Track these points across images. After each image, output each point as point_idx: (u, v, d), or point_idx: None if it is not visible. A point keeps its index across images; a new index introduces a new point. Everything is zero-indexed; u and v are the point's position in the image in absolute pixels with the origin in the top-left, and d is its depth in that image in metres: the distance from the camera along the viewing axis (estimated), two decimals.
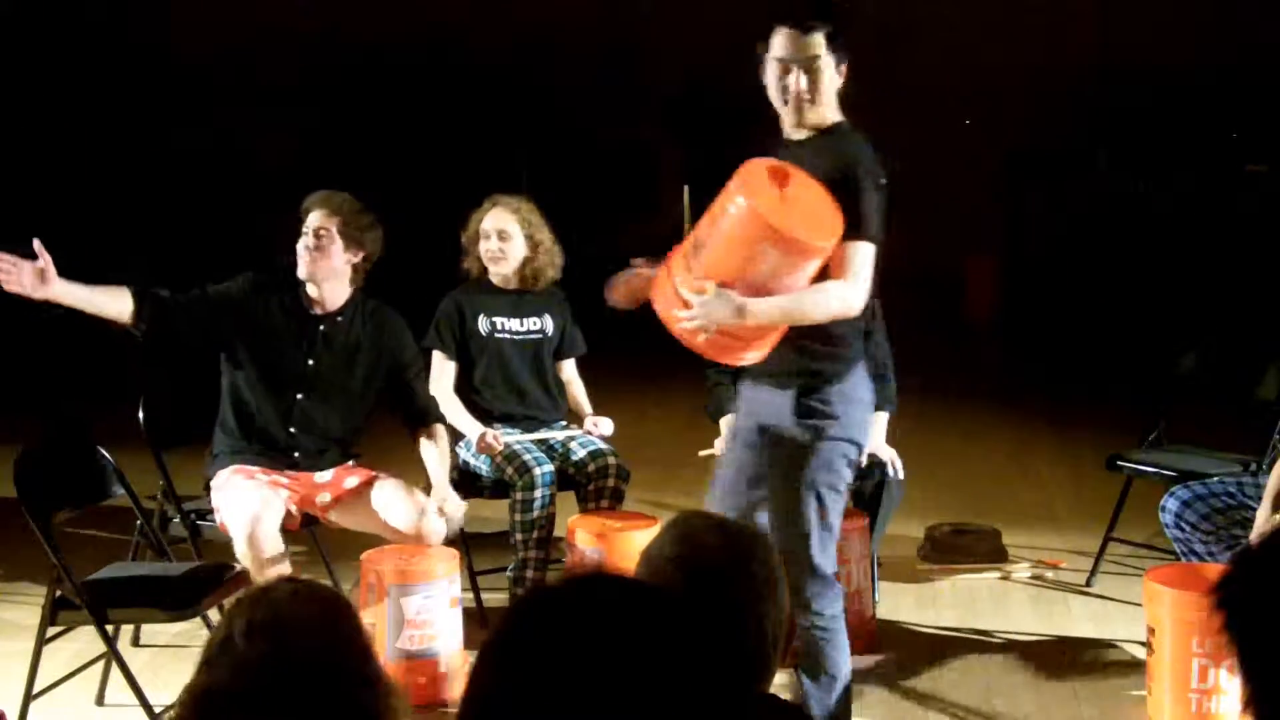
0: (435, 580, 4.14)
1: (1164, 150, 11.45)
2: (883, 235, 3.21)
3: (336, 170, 6.42)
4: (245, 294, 4.17)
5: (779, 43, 3.29)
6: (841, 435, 3.28)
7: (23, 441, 3.83)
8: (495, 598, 4.72)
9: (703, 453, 4.69)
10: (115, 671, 3.87)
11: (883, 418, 4.67)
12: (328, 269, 4.17)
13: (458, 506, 4.24)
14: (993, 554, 5.29)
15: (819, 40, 3.27)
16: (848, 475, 3.34)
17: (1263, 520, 3.90)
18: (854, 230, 3.14)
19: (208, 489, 4.23)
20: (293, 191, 4.32)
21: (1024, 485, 6.52)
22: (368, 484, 4.26)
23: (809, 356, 3.26)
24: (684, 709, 1.31)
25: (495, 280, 4.78)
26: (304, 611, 1.86)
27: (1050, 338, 10.15)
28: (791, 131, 3.35)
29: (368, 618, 3.94)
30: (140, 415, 4.32)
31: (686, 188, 4.95)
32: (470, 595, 4.62)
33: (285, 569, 3.90)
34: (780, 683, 3.51)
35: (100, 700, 4.04)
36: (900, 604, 4.86)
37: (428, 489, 4.25)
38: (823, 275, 3.16)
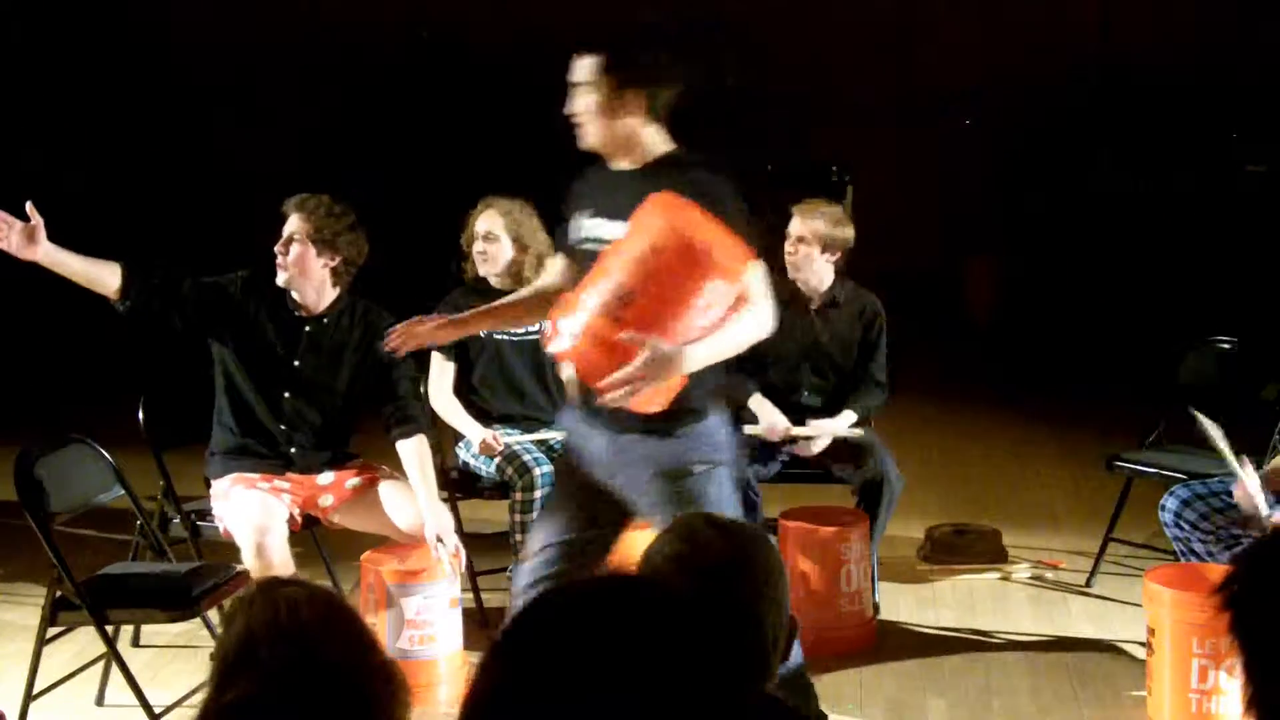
0: (435, 580, 4.14)
1: (1164, 150, 11.44)
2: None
3: (335, 172, 6.42)
4: (236, 291, 4.17)
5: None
6: (723, 467, 3.24)
7: (22, 441, 3.83)
8: (495, 598, 4.72)
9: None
10: (115, 672, 3.88)
11: (846, 416, 4.71)
12: (302, 275, 4.16)
13: (447, 528, 4.18)
14: (993, 554, 5.29)
15: (588, 64, 3.19)
16: (735, 505, 3.28)
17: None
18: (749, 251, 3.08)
19: (208, 484, 4.23)
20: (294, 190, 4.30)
21: (1024, 485, 6.52)
22: (370, 484, 4.26)
23: (687, 394, 3.12)
24: (686, 708, 1.31)
25: (492, 282, 4.79)
26: (321, 613, 1.86)
27: (1050, 338, 10.14)
28: (616, 162, 3.26)
29: (368, 618, 3.94)
30: (140, 415, 4.32)
31: None
32: (470, 595, 4.62)
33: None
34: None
35: (100, 700, 4.04)
36: (900, 604, 4.86)
37: None
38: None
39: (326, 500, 4.23)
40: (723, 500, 3.20)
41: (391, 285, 4.73)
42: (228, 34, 10.77)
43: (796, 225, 4.76)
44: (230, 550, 4.05)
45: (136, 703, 3.73)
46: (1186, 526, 4.17)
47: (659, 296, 2.96)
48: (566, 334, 3.03)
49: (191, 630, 4.31)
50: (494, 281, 4.79)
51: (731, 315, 3.05)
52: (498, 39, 10.86)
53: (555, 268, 3.53)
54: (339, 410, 4.28)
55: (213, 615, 3.92)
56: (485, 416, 4.73)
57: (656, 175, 3.16)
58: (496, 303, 3.73)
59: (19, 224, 3.66)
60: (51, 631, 3.80)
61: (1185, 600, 3.77)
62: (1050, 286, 11.16)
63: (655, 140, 3.23)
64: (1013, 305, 11.19)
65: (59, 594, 3.71)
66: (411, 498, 4.18)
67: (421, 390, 4.61)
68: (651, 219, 3.00)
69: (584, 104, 3.20)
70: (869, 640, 4.49)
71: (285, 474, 4.19)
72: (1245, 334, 5.14)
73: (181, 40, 10.77)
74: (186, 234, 9.98)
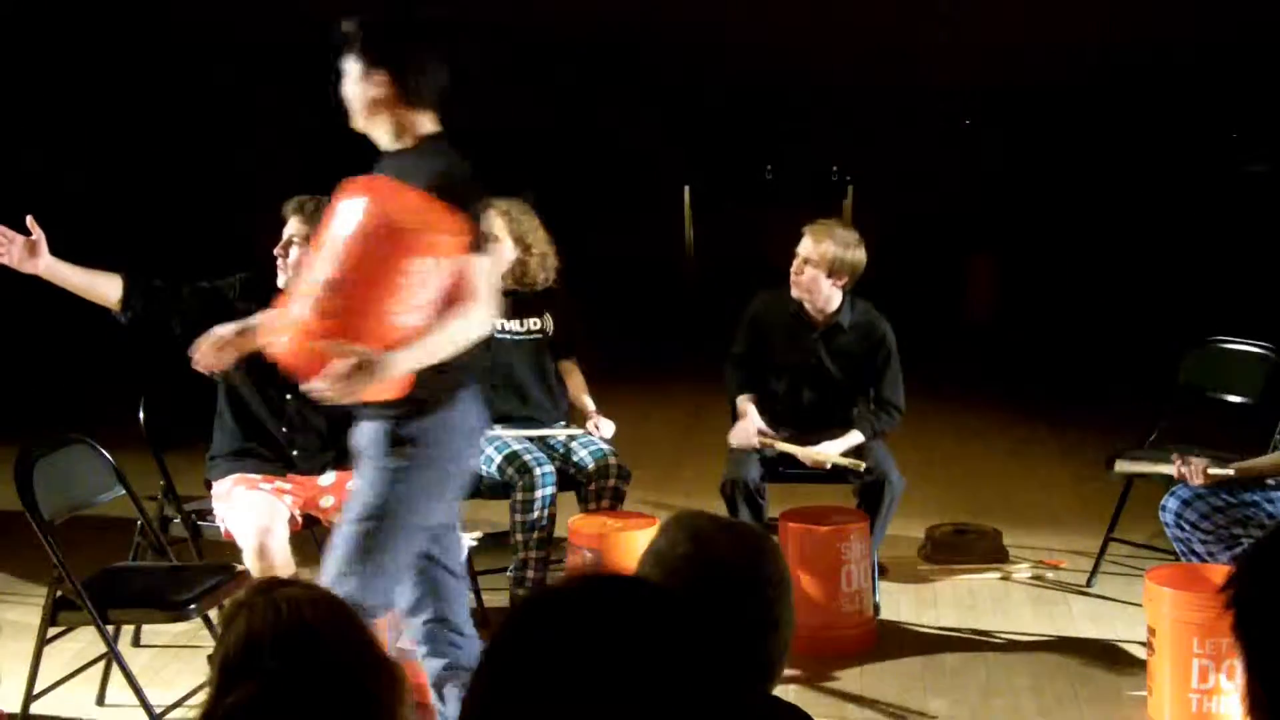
0: None
1: (1164, 150, 11.46)
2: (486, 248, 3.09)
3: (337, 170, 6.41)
4: (235, 294, 4.17)
5: None
6: (433, 467, 3.12)
7: (22, 441, 3.83)
8: (495, 598, 4.72)
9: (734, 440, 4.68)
10: (116, 671, 3.88)
11: (852, 437, 4.67)
12: (301, 278, 4.15)
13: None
14: (993, 554, 5.29)
15: (345, 47, 3.16)
16: (437, 510, 3.17)
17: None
18: (470, 245, 3.01)
19: (209, 487, 4.23)
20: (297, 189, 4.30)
21: (1024, 485, 6.52)
22: None
23: (422, 378, 3.05)
24: (686, 709, 1.31)
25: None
26: (324, 615, 1.85)
27: (1051, 338, 10.15)
28: (384, 145, 3.22)
29: None
30: (140, 415, 4.32)
31: (687, 187, 4.94)
32: (470, 595, 4.62)
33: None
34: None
35: (101, 700, 4.04)
36: (900, 604, 4.86)
37: None
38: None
39: (328, 501, 4.23)
40: (412, 496, 3.10)
41: None
42: (228, 34, 10.77)
43: (806, 246, 4.64)
44: (231, 550, 4.05)
45: (137, 703, 3.73)
46: (1187, 527, 4.17)
47: (366, 280, 2.93)
48: (282, 332, 3.02)
49: (192, 630, 4.31)
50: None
51: (448, 313, 2.98)
52: (498, 38, 10.86)
53: None
54: (341, 412, 4.27)
55: (213, 615, 3.92)
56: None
57: (401, 159, 3.13)
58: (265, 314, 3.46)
59: (20, 238, 3.66)
60: (52, 631, 3.80)
61: (1186, 600, 3.77)
62: (1050, 286, 11.17)
63: (412, 123, 3.16)
64: (1013, 305, 11.20)
65: (59, 594, 3.71)
66: None
67: None
68: (355, 203, 2.97)
69: (346, 87, 3.17)
70: (869, 640, 4.49)
71: (287, 475, 4.19)
72: (1245, 334, 5.14)
73: (181, 40, 10.77)
74: (187, 234, 9.99)
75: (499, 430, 4.68)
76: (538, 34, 11.21)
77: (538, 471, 4.48)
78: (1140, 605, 4.08)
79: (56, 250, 3.65)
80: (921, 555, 5.33)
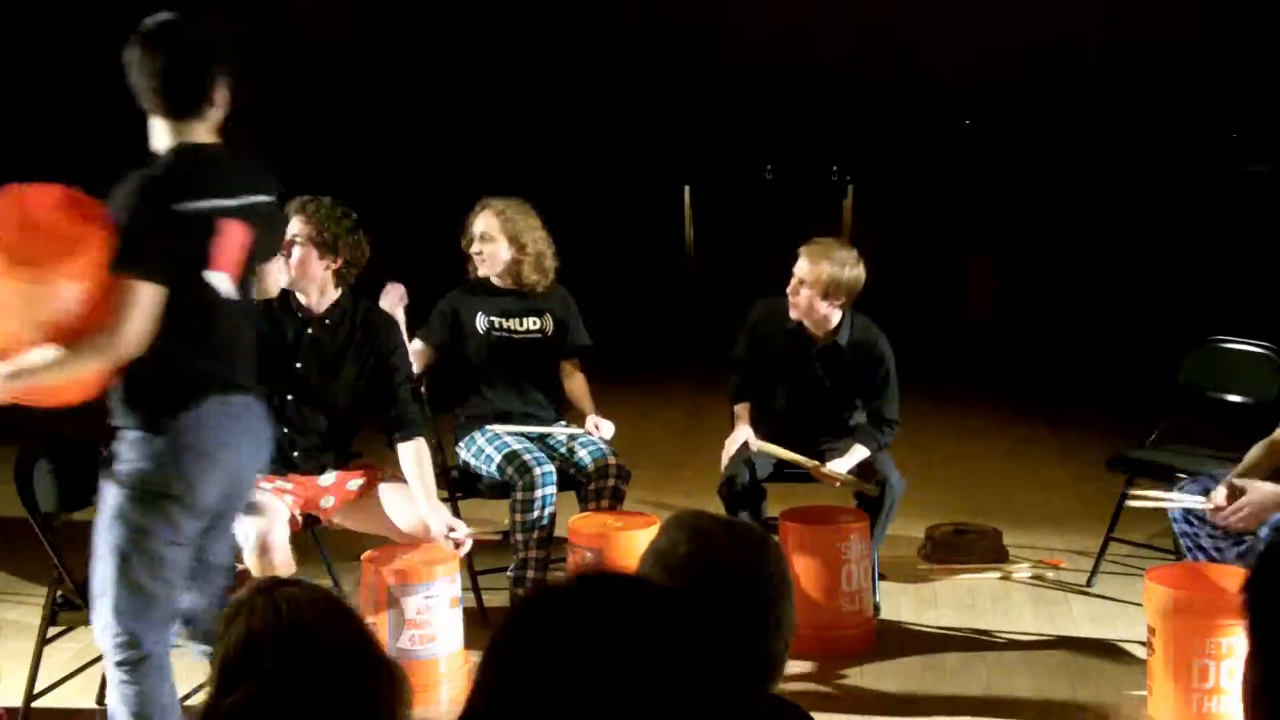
0: (435, 580, 4.14)
1: (1164, 150, 11.45)
2: (163, 269, 2.93)
3: (338, 171, 6.42)
4: None
5: None
6: (163, 490, 3.04)
7: (23, 442, 3.83)
8: (496, 598, 4.72)
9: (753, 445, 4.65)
10: None
11: (857, 452, 4.64)
12: (304, 277, 4.16)
13: (455, 521, 4.21)
14: (993, 554, 5.29)
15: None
16: (167, 535, 3.06)
17: (1221, 491, 3.96)
18: (118, 265, 2.89)
19: None
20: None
21: (1024, 485, 6.52)
22: (371, 485, 4.26)
23: (136, 398, 3.02)
24: (686, 708, 1.31)
25: (495, 280, 4.79)
26: (323, 616, 1.86)
27: (1051, 338, 10.15)
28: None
29: (368, 618, 3.94)
30: None
31: (687, 187, 4.94)
32: (471, 595, 4.62)
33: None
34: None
35: (101, 700, 4.02)
36: (900, 604, 4.86)
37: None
38: None
39: (328, 501, 4.23)
40: (107, 511, 3.07)
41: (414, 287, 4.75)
42: (226, 33, 10.78)
43: (802, 268, 4.60)
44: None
45: None
46: (1195, 521, 4.16)
47: None
48: None
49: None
50: (497, 281, 4.80)
51: (84, 335, 2.89)
52: (498, 37, 10.86)
53: None
54: (342, 412, 4.28)
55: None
56: (486, 416, 4.74)
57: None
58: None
59: None
60: (52, 631, 3.80)
61: (1186, 600, 3.77)
62: (1050, 286, 11.17)
63: (157, 134, 3.08)
64: (1013, 305, 11.19)
65: (59, 594, 3.71)
66: (412, 499, 4.18)
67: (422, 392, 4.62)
68: None
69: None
70: (869, 640, 4.49)
71: (287, 475, 4.19)
72: (1245, 334, 5.13)
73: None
74: None
75: (499, 429, 4.68)
76: (537, 34, 11.21)
77: (538, 471, 4.48)
78: (1140, 605, 4.07)
79: None
80: (921, 555, 5.33)
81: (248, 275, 3.19)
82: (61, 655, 4.07)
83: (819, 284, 4.58)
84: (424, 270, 5.39)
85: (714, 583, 1.91)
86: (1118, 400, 7.45)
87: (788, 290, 4.65)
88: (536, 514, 4.48)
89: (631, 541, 4.22)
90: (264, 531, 3.88)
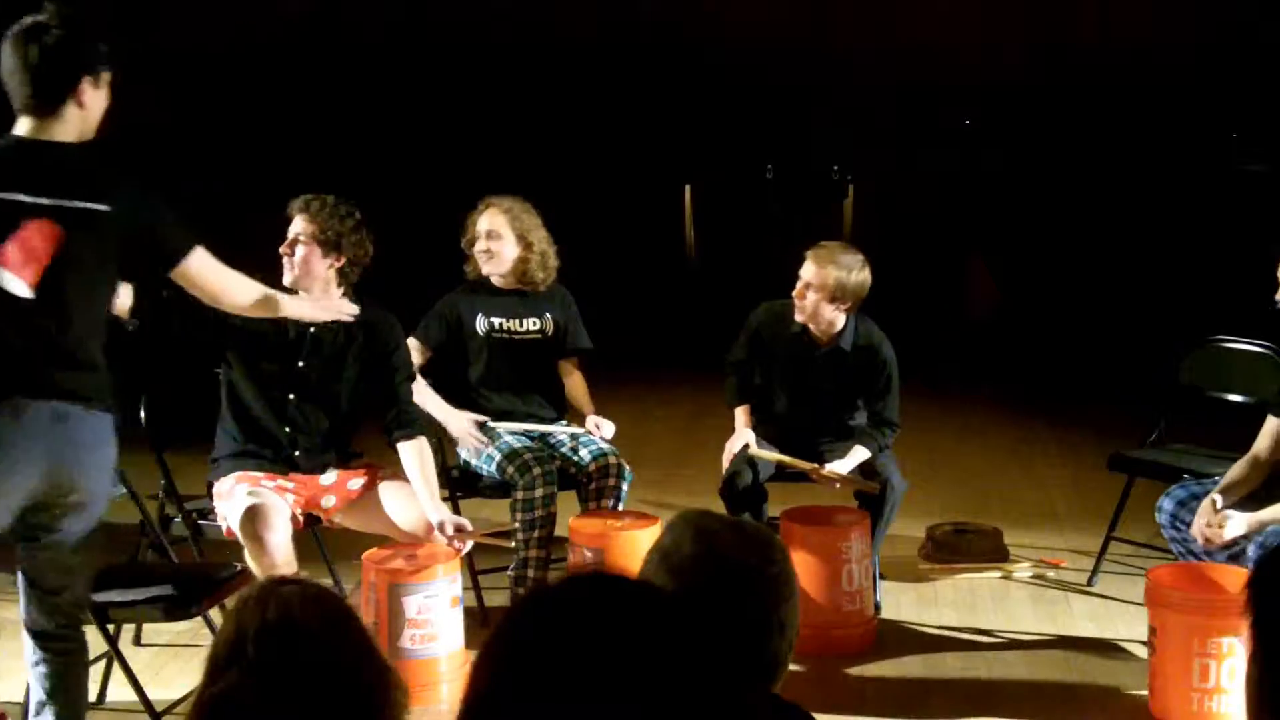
0: (436, 580, 4.14)
1: (1162, 150, 11.44)
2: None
3: (340, 170, 6.42)
4: None
5: None
6: None
7: None
8: (496, 597, 4.72)
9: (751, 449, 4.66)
10: (116, 670, 3.88)
11: (857, 453, 4.64)
12: (308, 276, 4.15)
13: (457, 519, 4.21)
14: (993, 553, 5.29)
15: None
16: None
17: (1207, 508, 3.96)
18: None
19: (210, 488, 4.23)
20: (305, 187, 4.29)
21: (1024, 485, 6.51)
22: (372, 485, 4.26)
23: None
24: (686, 708, 1.31)
25: (495, 280, 4.79)
26: (313, 612, 1.86)
27: (1051, 337, 10.14)
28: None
29: (368, 617, 3.95)
30: (141, 415, 4.32)
31: (687, 187, 4.94)
32: (471, 594, 4.62)
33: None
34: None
35: (101, 699, 4.03)
36: (900, 604, 4.86)
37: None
38: None
39: (329, 501, 4.23)
40: None
41: (394, 286, 4.73)
42: (225, 32, 10.77)
43: (809, 271, 4.59)
44: (232, 549, 4.05)
45: (137, 701, 3.73)
46: (1184, 527, 4.17)
47: None
48: None
49: (193, 629, 4.31)
50: (498, 281, 4.79)
51: None
52: (497, 37, 10.87)
53: None
54: (343, 411, 4.28)
55: (214, 614, 3.92)
56: (486, 415, 4.74)
57: None
58: None
59: None
60: None
61: (1187, 599, 3.77)
62: (1050, 286, 11.16)
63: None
64: (1013, 304, 11.19)
65: None
66: (413, 499, 4.17)
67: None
68: None
69: None
70: (869, 640, 4.49)
71: (289, 474, 4.19)
72: (1245, 333, 5.13)
73: (181, 40, 10.78)
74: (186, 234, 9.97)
75: (500, 428, 4.68)
76: (537, 33, 11.21)
77: (538, 471, 4.48)
78: (1141, 604, 4.08)
79: None
80: (922, 555, 5.33)
81: (60, 279, 3.11)
82: None
83: (825, 288, 4.57)
84: (423, 270, 5.40)
85: (719, 583, 1.90)
86: (1118, 400, 7.45)
87: (794, 294, 4.64)
88: (537, 513, 4.48)
89: (632, 541, 4.22)
90: (265, 530, 3.88)
